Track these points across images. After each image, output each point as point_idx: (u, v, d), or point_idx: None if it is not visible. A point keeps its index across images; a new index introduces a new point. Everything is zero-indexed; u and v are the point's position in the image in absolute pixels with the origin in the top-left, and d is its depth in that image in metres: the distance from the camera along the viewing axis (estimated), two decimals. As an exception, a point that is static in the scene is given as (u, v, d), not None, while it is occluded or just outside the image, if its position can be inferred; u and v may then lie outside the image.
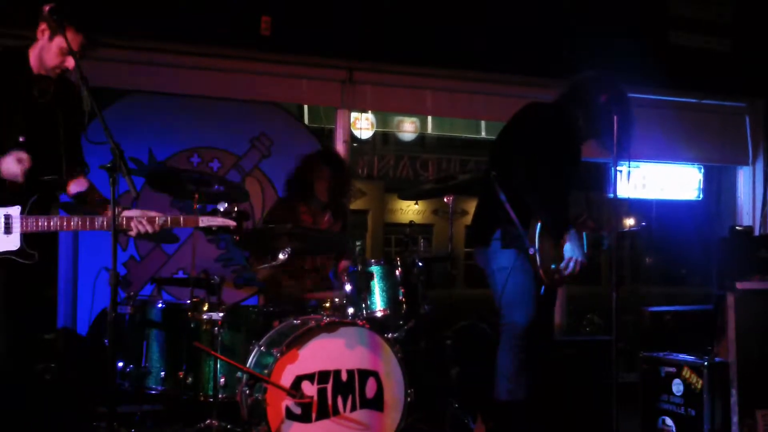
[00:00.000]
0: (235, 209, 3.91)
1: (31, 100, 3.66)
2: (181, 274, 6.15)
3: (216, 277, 4.69)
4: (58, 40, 3.55)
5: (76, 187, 3.81)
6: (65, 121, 3.71)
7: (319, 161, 5.56)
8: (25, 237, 3.54)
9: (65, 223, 3.62)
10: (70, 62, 3.58)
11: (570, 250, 4.32)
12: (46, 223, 3.56)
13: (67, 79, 3.70)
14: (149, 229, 3.70)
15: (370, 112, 8.42)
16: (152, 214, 3.74)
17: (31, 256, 3.56)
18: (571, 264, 4.31)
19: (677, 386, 4.50)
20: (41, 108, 3.68)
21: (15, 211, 3.53)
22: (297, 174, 5.57)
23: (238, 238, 4.23)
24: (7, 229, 3.52)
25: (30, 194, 3.56)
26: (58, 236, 3.85)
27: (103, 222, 3.63)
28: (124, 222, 3.66)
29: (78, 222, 3.61)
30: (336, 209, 5.64)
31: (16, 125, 3.61)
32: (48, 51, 3.58)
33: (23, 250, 3.54)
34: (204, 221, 3.85)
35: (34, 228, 3.54)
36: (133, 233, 3.70)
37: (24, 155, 3.50)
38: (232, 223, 3.87)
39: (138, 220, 3.68)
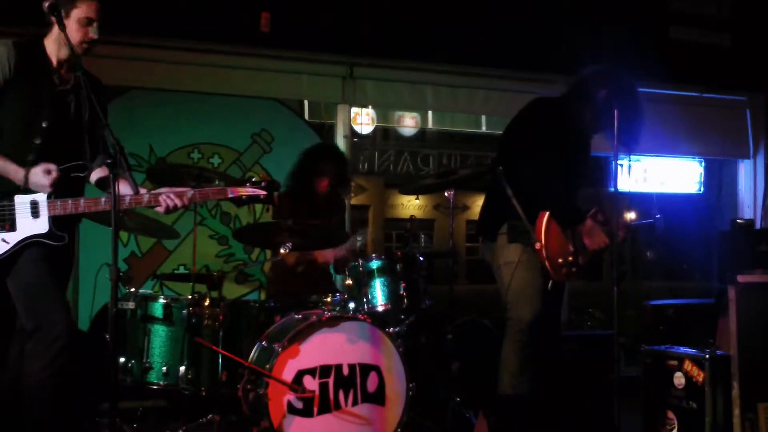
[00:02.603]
0: (265, 179, 3.89)
1: (52, 88, 3.69)
2: (182, 270, 6.16)
3: (217, 272, 4.69)
4: (76, 13, 3.58)
5: (98, 174, 3.83)
6: (86, 109, 3.72)
7: (320, 155, 5.58)
8: (53, 220, 3.59)
9: (93, 204, 3.64)
10: (92, 32, 3.61)
11: (591, 243, 4.36)
12: (73, 205, 3.61)
13: (87, 71, 3.70)
14: (178, 203, 3.70)
15: (370, 107, 8.40)
16: (180, 189, 3.76)
17: (61, 237, 3.62)
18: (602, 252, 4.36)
19: (679, 379, 4.50)
20: (63, 95, 3.71)
21: (41, 197, 3.59)
22: (298, 168, 5.58)
23: (268, 209, 4.19)
24: (35, 214, 3.58)
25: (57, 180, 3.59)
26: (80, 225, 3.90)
27: (131, 200, 3.64)
28: (153, 199, 3.68)
29: (105, 201, 3.62)
30: (334, 203, 5.66)
31: (40, 111, 3.64)
32: (69, 28, 3.56)
33: (52, 233, 3.59)
34: (233, 192, 3.83)
35: (62, 210, 3.60)
36: (162, 209, 3.71)
37: (53, 166, 3.55)
38: (262, 192, 3.84)
39: (167, 194, 3.69)
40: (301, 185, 5.53)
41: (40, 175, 3.54)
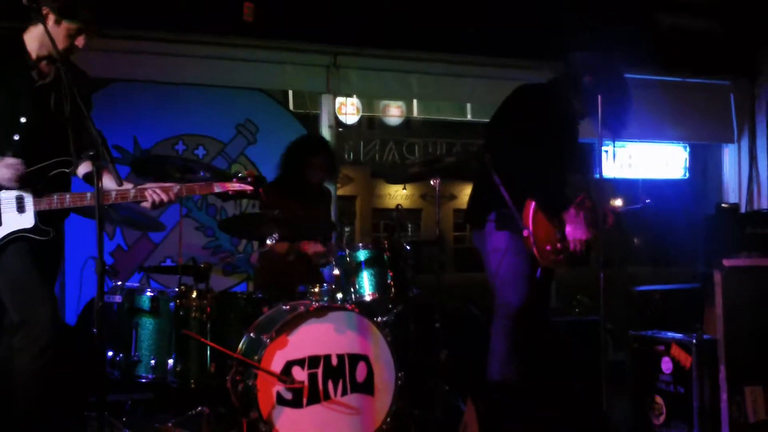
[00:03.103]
0: (252, 174, 3.92)
1: (31, 83, 3.65)
2: (168, 263, 6.14)
3: (203, 264, 4.67)
4: (66, 24, 3.56)
5: (84, 168, 3.80)
6: (68, 103, 3.69)
7: (310, 148, 5.58)
8: (39, 215, 3.58)
9: (78, 199, 3.63)
10: (81, 42, 3.61)
11: (572, 231, 4.34)
12: (58, 200, 3.59)
13: (69, 63, 3.67)
14: (164, 197, 3.71)
15: (355, 96, 8.39)
16: (167, 184, 3.76)
17: (47, 232, 3.60)
18: (578, 245, 4.34)
19: (666, 364, 4.52)
20: (43, 90, 3.67)
21: (27, 191, 3.57)
22: (289, 158, 5.57)
23: (255, 203, 4.21)
24: (21, 208, 3.57)
25: (41, 175, 3.58)
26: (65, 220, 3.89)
27: (117, 195, 3.65)
28: (139, 194, 3.69)
29: (91, 196, 3.59)
30: (322, 193, 5.67)
31: (19, 107, 3.61)
32: (56, 35, 3.54)
33: (38, 227, 3.58)
34: (219, 187, 3.85)
35: (47, 206, 3.59)
36: (148, 204, 3.72)
37: (13, 161, 3.52)
38: (248, 187, 3.88)
39: (153, 189, 3.69)
40: (292, 175, 5.53)
41: (3, 169, 3.51)
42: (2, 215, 3.55)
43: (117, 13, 5.49)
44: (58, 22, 3.56)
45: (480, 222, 4.59)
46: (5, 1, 3.84)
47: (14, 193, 3.56)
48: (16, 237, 3.56)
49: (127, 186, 3.66)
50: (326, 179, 5.68)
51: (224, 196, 3.89)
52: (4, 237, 3.55)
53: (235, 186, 3.86)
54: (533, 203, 4.30)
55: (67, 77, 3.49)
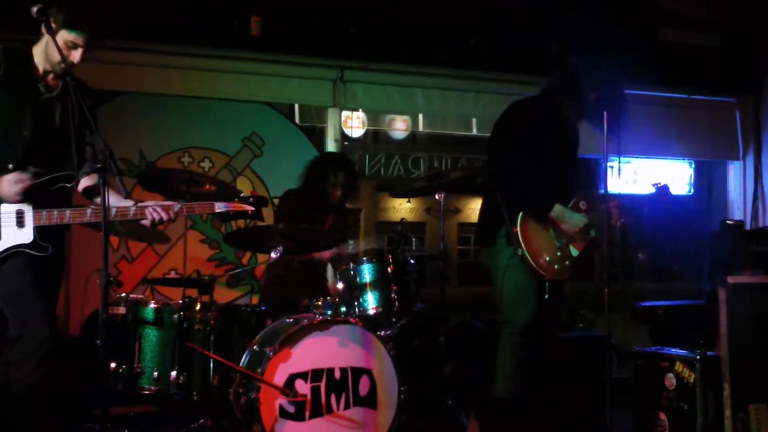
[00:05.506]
0: (253, 194, 3.93)
1: (37, 96, 3.65)
2: (173, 275, 6.14)
3: (208, 276, 4.68)
4: (63, 34, 3.55)
5: (85, 182, 3.80)
6: (75, 117, 3.69)
7: (333, 166, 5.57)
8: (38, 230, 3.57)
9: (78, 215, 3.62)
10: (75, 56, 3.59)
11: (571, 227, 4.35)
12: (58, 216, 3.58)
13: (76, 77, 3.68)
14: (164, 216, 3.70)
15: (361, 110, 8.42)
16: (167, 203, 3.76)
17: (45, 248, 3.58)
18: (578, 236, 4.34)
19: (670, 381, 4.51)
20: (48, 103, 3.67)
21: (27, 206, 3.56)
22: (310, 174, 5.57)
23: (257, 223, 4.22)
24: (20, 223, 3.55)
25: (42, 190, 3.57)
26: (69, 234, 3.88)
27: (117, 213, 3.64)
28: (138, 212, 3.68)
29: (91, 213, 3.61)
30: (339, 210, 5.68)
31: (23, 120, 3.61)
32: (52, 46, 3.54)
33: (37, 243, 3.56)
34: (220, 207, 3.84)
35: (47, 221, 3.57)
36: (147, 222, 3.71)
37: (22, 176, 3.53)
38: (249, 207, 3.87)
39: (153, 207, 3.69)
40: (312, 190, 5.52)
41: (9, 184, 3.51)
42: (2, 230, 3.54)
43: (123, 26, 5.53)
44: (56, 33, 3.54)
45: (490, 239, 4.57)
46: (17, 13, 3.84)
47: (15, 207, 3.55)
48: (15, 252, 3.56)
49: (128, 203, 3.66)
50: (346, 199, 5.67)
51: (225, 216, 3.89)
52: (3, 252, 3.54)
53: (235, 206, 3.86)
54: (518, 217, 4.30)
55: (75, 91, 3.49)
